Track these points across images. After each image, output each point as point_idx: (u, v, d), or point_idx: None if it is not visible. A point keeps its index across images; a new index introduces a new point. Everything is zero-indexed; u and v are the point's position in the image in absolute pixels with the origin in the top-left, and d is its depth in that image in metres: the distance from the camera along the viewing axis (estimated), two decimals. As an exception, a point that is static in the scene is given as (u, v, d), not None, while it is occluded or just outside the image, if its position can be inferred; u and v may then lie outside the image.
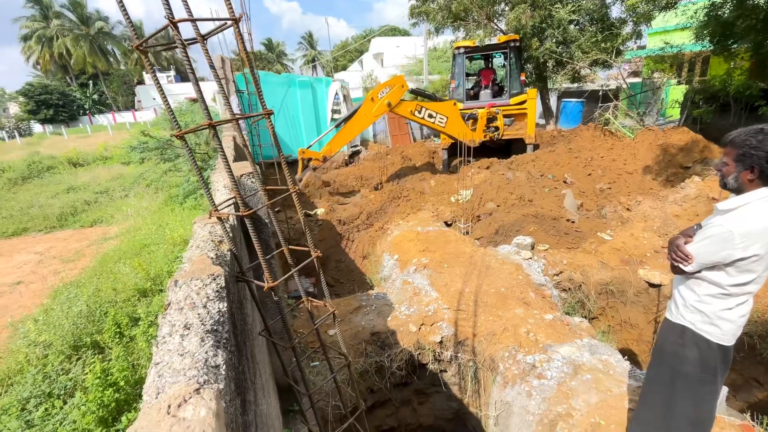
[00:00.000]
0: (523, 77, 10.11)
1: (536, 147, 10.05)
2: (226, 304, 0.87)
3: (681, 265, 1.86)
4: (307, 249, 1.26)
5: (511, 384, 3.16)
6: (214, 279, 0.91)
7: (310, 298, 1.40)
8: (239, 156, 4.25)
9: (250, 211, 1.04)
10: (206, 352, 0.69)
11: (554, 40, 10.33)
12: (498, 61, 11.82)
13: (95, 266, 6.40)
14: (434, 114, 8.43)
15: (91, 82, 37.58)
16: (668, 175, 6.90)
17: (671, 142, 7.44)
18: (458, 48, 9.89)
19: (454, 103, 8.91)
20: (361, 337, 3.65)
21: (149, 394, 0.61)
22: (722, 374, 1.91)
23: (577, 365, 3.13)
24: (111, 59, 38.27)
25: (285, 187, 1.19)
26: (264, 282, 1.11)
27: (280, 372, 2.84)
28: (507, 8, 11.16)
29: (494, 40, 9.84)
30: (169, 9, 0.82)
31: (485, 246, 5.57)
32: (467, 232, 6.53)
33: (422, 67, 21.75)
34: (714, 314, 1.82)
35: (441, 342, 3.61)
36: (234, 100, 7.61)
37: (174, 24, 0.82)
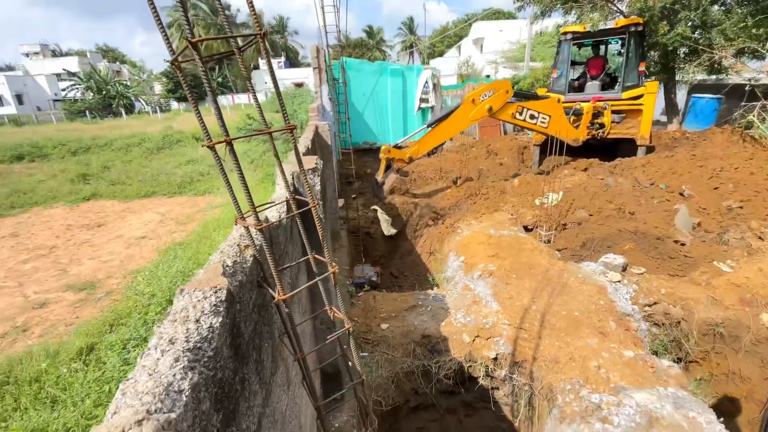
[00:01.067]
0: (642, 67, 8.73)
1: (650, 150, 8.68)
2: (220, 319, 0.89)
3: None
4: (325, 260, 1.23)
5: (569, 421, 2.83)
6: (216, 292, 0.93)
7: (332, 308, 1.39)
8: (315, 146, 4.44)
9: (264, 225, 1.05)
10: (174, 375, 0.71)
11: (689, 24, 8.67)
12: (613, 48, 10.39)
13: (199, 231, 7.37)
14: (536, 114, 7.59)
15: (216, 66, 42.74)
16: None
17: None
18: (565, 33, 8.90)
19: (558, 100, 8.00)
20: (412, 337, 3.61)
21: (109, 411, 0.64)
22: None
23: (654, 417, 2.68)
24: (233, 45, 42.93)
25: (305, 199, 1.17)
26: (279, 291, 1.12)
27: (326, 359, 2.95)
28: (632, -14, 9.64)
29: (610, 24, 8.63)
30: (190, 31, 0.83)
31: (567, 260, 5.03)
32: (548, 241, 5.97)
33: (524, 53, 20.17)
34: None
35: (495, 359, 3.38)
36: (324, 88, 7.95)
37: (193, 45, 0.84)
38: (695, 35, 9.08)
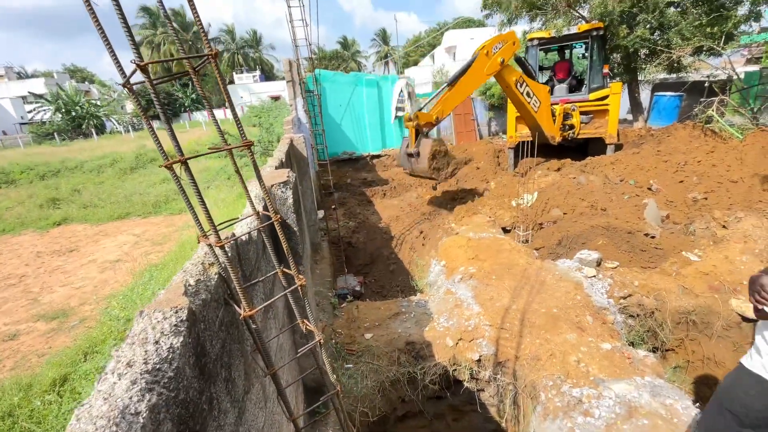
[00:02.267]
0: (606, 69, 9.10)
1: (619, 147, 9.01)
2: (181, 339, 0.88)
3: (766, 308, 1.62)
4: (291, 273, 1.24)
5: (552, 417, 2.88)
6: (176, 312, 0.93)
7: (303, 320, 1.39)
8: (291, 159, 4.44)
9: (222, 242, 1.05)
10: (131, 398, 0.70)
11: (648, 26, 9.11)
12: (578, 52, 10.80)
13: (175, 251, 7.21)
14: (532, 94, 7.43)
15: (190, 82, 42.23)
16: (787, 185, 5.72)
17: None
18: (531, 40, 9.21)
19: (549, 90, 8.10)
20: (396, 345, 3.61)
21: (62, 439, 0.63)
22: None
23: (633, 407, 2.75)
24: (187, 63, 42.60)
25: (267, 214, 1.18)
26: (244, 308, 1.12)
27: (309, 376, 2.92)
28: (591, -7, 10.09)
29: (574, 30, 8.98)
30: (138, 54, 0.84)
31: (544, 258, 5.14)
32: (526, 241, 6.10)
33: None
34: None
35: (479, 360, 3.42)
36: (299, 101, 7.96)
37: (141, 68, 0.85)
38: (654, 37, 9.54)
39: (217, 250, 1.16)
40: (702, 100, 8.80)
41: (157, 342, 0.85)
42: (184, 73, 1.04)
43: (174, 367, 0.83)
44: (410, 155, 6.27)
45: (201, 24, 0.93)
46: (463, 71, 6.25)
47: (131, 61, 0.84)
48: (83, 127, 29.95)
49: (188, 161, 1.06)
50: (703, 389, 3.98)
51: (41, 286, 6.75)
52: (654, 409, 2.74)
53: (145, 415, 0.70)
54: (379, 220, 7.54)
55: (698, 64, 10.57)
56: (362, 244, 6.67)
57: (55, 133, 27.75)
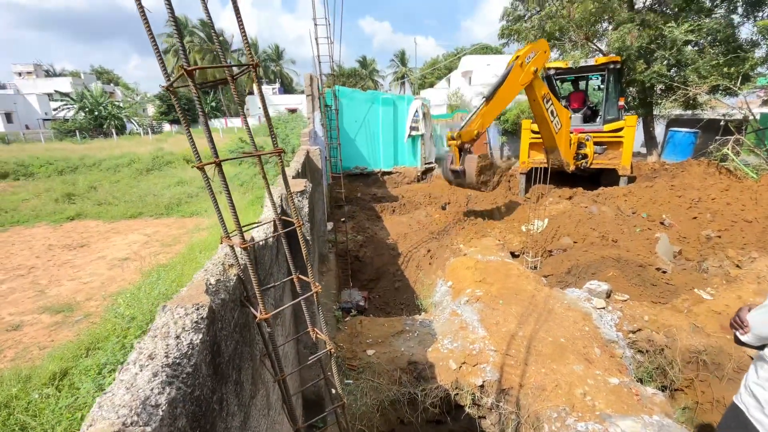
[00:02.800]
0: (622, 102, 9.17)
1: (631, 180, 8.98)
2: (201, 336, 0.90)
3: (737, 333, 1.69)
4: (309, 280, 1.25)
5: (555, 451, 2.79)
6: (198, 309, 0.94)
7: (314, 329, 1.39)
8: (306, 170, 4.50)
9: (249, 244, 1.07)
10: (152, 390, 0.71)
11: (665, 63, 9.19)
12: (594, 83, 10.91)
13: (185, 253, 7.27)
14: (555, 113, 7.43)
15: (211, 91, 43.38)
16: (803, 229, 5.62)
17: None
18: (548, 69, 9.35)
19: (570, 116, 8.16)
20: (398, 364, 3.56)
21: (85, 423, 0.64)
22: None
23: (640, 447, 2.66)
24: (227, 71, 43.82)
25: (291, 220, 1.20)
26: (261, 310, 1.13)
27: (310, 388, 2.89)
28: (610, 27, 10.26)
29: (591, 62, 9.11)
30: (186, 59, 0.89)
31: (553, 286, 5.08)
32: (535, 267, 6.05)
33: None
34: None
35: (482, 386, 3.35)
36: (317, 115, 8.13)
37: (188, 72, 0.89)
38: (671, 73, 9.61)
39: (240, 252, 1.18)
40: (717, 138, 8.79)
41: (178, 337, 0.86)
42: (223, 81, 1.09)
43: (192, 363, 0.84)
44: (455, 172, 6.45)
45: (246, 37, 0.98)
46: (500, 83, 6.36)
47: (180, 66, 0.88)
48: (104, 126, 30.78)
49: (213, 165, 1.09)
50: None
51: (49, 279, 6.82)
52: (662, 450, 2.65)
53: (164, 408, 0.70)
54: (387, 236, 7.55)
55: (714, 102, 10.59)
56: (369, 258, 6.66)
57: (77, 131, 28.53)
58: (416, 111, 12.26)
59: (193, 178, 14.45)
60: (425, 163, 13.08)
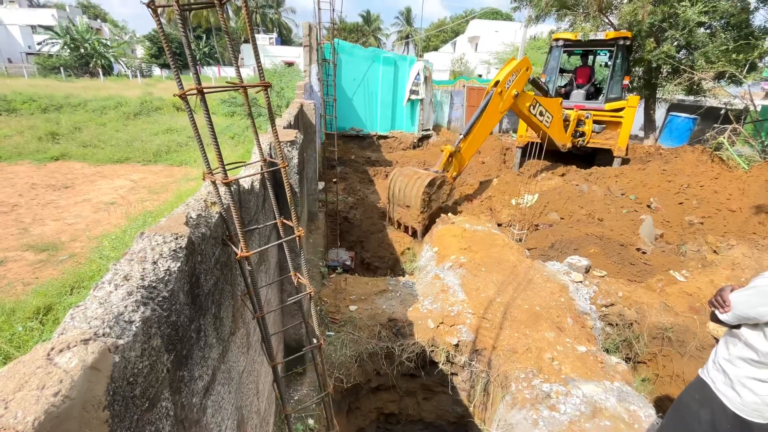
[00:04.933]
0: (626, 81, 9.00)
1: (625, 161, 9.01)
2: (179, 264, 0.90)
3: (717, 312, 1.75)
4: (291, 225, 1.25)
5: (519, 407, 2.97)
6: (176, 238, 0.94)
7: (296, 273, 1.41)
8: (299, 124, 4.39)
9: (231, 179, 1.05)
10: (126, 307, 0.72)
11: (675, 43, 8.97)
12: (601, 60, 10.65)
13: (172, 201, 7.19)
14: (544, 111, 7.37)
15: (204, 35, 41.23)
16: (783, 221, 5.77)
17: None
18: (557, 40, 9.06)
19: (560, 102, 8.05)
20: (378, 320, 3.67)
21: (56, 332, 0.65)
22: None
23: (598, 408, 2.84)
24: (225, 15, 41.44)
25: (274, 161, 1.18)
26: (242, 248, 1.14)
27: (290, 334, 2.98)
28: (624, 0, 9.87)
29: (600, 36, 8.83)
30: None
31: (535, 258, 5.20)
32: (520, 240, 6.15)
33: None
34: (738, 379, 1.64)
35: (457, 345, 3.49)
36: (314, 68, 7.82)
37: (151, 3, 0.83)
38: (679, 55, 9.40)
39: (222, 189, 1.16)
40: (715, 126, 8.76)
41: (155, 263, 0.86)
42: (210, 4, 1.02)
43: (169, 289, 0.85)
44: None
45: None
46: (476, 118, 6.16)
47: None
48: (90, 65, 29.32)
49: (196, 94, 1.04)
50: (667, 404, 4.11)
51: (33, 218, 6.73)
52: (618, 412, 2.84)
53: (138, 324, 0.71)
54: (377, 200, 7.54)
55: (717, 90, 10.47)
56: (358, 220, 6.68)
57: (61, 68, 27.15)
58: (418, 74, 11.89)
59: (184, 126, 14.04)
60: (422, 130, 12.87)
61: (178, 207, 1.18)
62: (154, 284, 0.81)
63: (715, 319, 1.78)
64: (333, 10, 6.07)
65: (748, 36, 8.29)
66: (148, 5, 0.95)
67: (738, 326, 1.68)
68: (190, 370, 1.00)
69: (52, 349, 0.58)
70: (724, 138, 8.15)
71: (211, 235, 1.15)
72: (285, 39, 49.87)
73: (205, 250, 1.10)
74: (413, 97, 12.24)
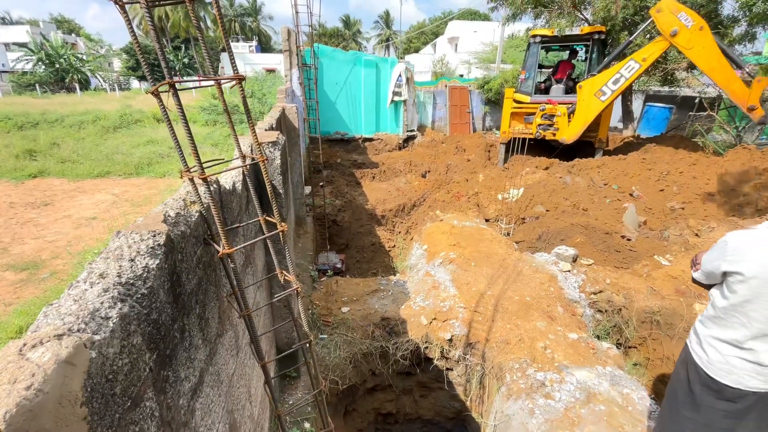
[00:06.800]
0: (604, 74, 9.19)
1: (606, 152, 9.18)
2: (157, 261, 0.88)
3: (692, 270, 1.89)
4: (274, 221, 1.24)
5: (515, 397, 2.99)
6: (154, 236, 0.92)
7: (282, 270, 1.40)
8: (282, 127, 4.37)
9: (209, 175, 1.04)
10: (102, 303, 0.70)
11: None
12: (578, 54, 10.84)
13: (156, 213, 7.05)
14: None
15: (183, 46, 40.78)
16: (759, 203, 5.94)
17: (771, 165, 6.37)
18: (534, 36, 9.21)
19: (545, 90, 8.29)
20: (371, 320, 3.66)
21: (30, 329, 0.63)
22: (711, 412, 1.72)
23: (592, 393, 2.87)
24: (202, 25, 41.11)
25: (254, 156, 1.17)
26: (223, 245, 1.12)
27: (282, 338, 2.95)
28: (597, -5, 10.09)
29: (576, 31, 9.02)
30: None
31: (523, 251, 5.25)
32: (508, 234, 6.21)
33: (497, 54, 20.68)
34: (704, 338, 1.74)
35: (450, 340, 3.50)
36: (295, 72, 7.80)
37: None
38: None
39: (200, 187, 1.15)
40: (691, 114, 9.02)
41: (132, 260, 0.84)
42: (180, 0, 1.01)
43: (148, 286, 0.83)
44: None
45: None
46: None
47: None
48: (66, 81, 28.71)
49: (167, 88, 1.02)
50: (660, 386, 4.17)
51: (12, 237, 6.53)
52: (612, 396, 2.87)
53: (115, 321, 0.70)
54: (365, 202, 7.54)
55: (690, 80, 10.77)
56: (347, 223, 6.67)
57: (37, 85, 26.52)
58: (399, 75, 11.96)
59: (165, 138, 13.82)
60: (407, 131, 12.92)
61: (156, 207, 1.16)
62: (131, 281, 0.80)
63: (693, 280, 1.90)
64: (311, 14, 6.07)
65: (717, 25, 8.55)
66: (115, 2, 0.93)
67: (710, 287, 1.76)
68: (175, 371, 0.98)
69: (24, 344, 0.56)
70: (699, 125, 8.40)
71: (191, 233, 1.13)
72: (265, 47, 49.67)
73: (186, 248, 1.08)
74: (396, 98, 12.30)
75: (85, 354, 0.60)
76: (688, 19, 6.43)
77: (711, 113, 8.71)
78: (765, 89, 6.95)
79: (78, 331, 0.62)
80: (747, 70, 6.91)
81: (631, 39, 7.79)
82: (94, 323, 0.66)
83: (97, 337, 0.64)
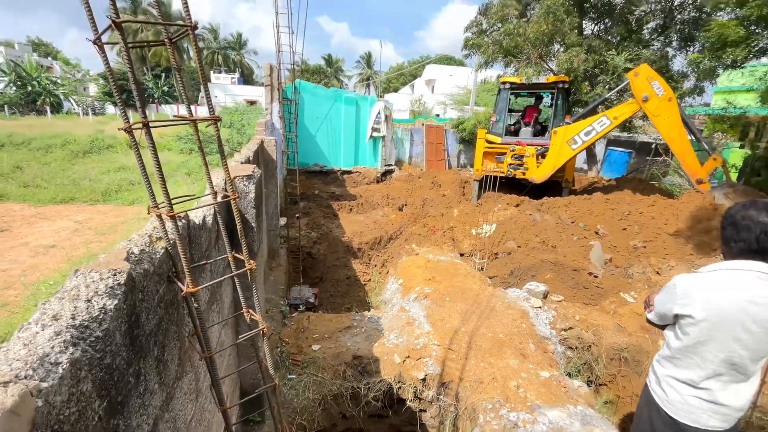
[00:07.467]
0: (568, 119, 9.84)
1: (573, 192, 9.65)
2: (116, 302, 0.85)
3: (646, 311, 1.96)
4: (242, 258, 1.23)
5: (488, 440, 2.92)
6: (114, 275, 0.90)
7: (249, 309, 1.37)
8: (259, 160, 4.39)
9: (177, 213, 1.04)
10: (52, 347, 0.67)
11: (606, 87, 10.01)
12: (545, 100, 11.62)
13: (120, 242, 6.76)
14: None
15: (163, 74, 40.89)
16: (713, 243, 6.33)
17: (722, 208, 6.86)
18: (504, 83, 9.83)
19: (515, 132, 8.77)
20: (343, 359, 3.55)
21: (-29, 378, 0.59)
22: None
23: (563, 434, 2.85)
24: (184, 55, 41.56)
25: (227, 194, 1.18)
26: (187, 284, 1.10)
27: (247, 380, 2.81)
28: (561, 49, 10.99)
29: (542, 79, 9.71)
30: (115, 9, 0.85)
31: (496, 286, 5.33)
32: (482, 268, 6.30)
33: (470, 97, 21.84)
34: (662, 377, 1.78)
35: (424, 380, 3.43)
36: (275, 106, 7.94)
37: (117, 25, 0.85)
38: (611, 96, 10.48)
39: (168, 223, 1.14)
40: (648, 158, 9.70)
41: (89, 300, 0.81)
42: (160, 42, 1.05)
43: (103, 329, 0.80)
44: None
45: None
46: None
47: (106, 16, 0.84)
48: (38, 103, 27.97)
49: (141, 127, 1.04)
50: (629, 424, 4.20)
51: (-42, 266, 6.06)
52: (582, 436, 2.86)
53: (65, 366, 0.66)
54: (342, 234, 7.52)
55: (647, 127, 11.67)
56: (322, 255, 6.59)
57: (5, 106, 25.67)
58: (378, 112, 12.36)
59: (136, 164, 13.50)
60: (385, 165, 13.20)
61: (120, 243, 1.13)
62: (86, 323, 0.77)
63: (648, 321, 1.97)
64: (294, 53, 6.29)
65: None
66: (94, 42, 0.96)
67: (664, 327, 1.82)
68: (126, 419, 0.92)
69: (-38, 396, 0.53)
70: (656, 169, 9.02)
71: (155, 271, 1.11)
72: (247, 79, 50.48)
73: (148, 287, 1.05)
74: (375, 134, 12.64)
75: (31, 403, 0.57)
76: (660, 88, 7.09)
77: (666, 158, 9.40)
78: (716, 168, 7.68)
79: (25, 377, 0.59)
80: (707, 148, 7.59)
81: (605, 96, 8.47)
82: (43, 369, 0.63)
83: (44, 385, 0.61)
